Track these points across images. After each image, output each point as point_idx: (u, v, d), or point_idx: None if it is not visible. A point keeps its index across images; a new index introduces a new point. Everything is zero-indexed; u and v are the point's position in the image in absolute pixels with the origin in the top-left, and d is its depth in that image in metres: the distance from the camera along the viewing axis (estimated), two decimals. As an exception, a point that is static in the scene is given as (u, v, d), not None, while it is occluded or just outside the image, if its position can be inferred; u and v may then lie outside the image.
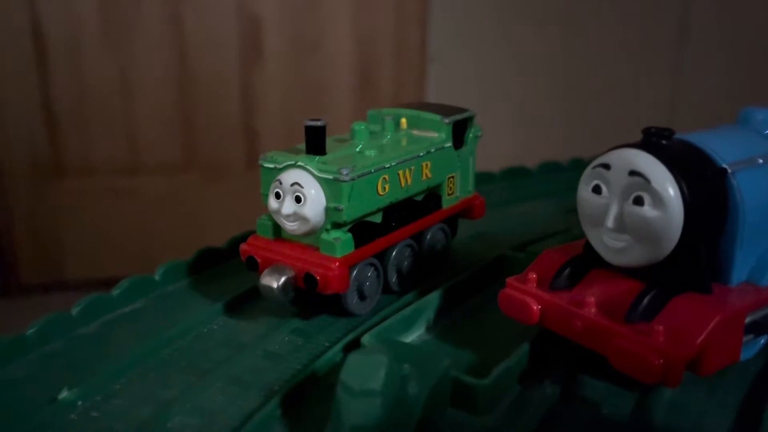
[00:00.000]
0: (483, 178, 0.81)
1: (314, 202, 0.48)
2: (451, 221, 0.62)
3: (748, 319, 0.42)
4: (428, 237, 0.58)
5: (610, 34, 1.47)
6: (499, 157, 0.95)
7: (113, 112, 1.38)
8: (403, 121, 0.58)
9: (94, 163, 1.40)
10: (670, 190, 0.39)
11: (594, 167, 0.42)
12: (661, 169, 0.39)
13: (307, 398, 0.44)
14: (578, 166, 0.96)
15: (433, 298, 0.52)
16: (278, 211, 0.49)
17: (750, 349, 0.45)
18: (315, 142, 0.50)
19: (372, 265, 0.53)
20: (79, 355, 0.49)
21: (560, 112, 1.49)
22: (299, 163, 0.49)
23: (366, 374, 0.36)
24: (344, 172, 0.47)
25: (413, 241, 0.57)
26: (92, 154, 1.39)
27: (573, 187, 0.44)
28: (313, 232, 0.50)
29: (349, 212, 0.48)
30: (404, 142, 0.55)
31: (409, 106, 0.60)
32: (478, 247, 0.65)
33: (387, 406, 0.36)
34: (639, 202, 0.40)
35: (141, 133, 1.40)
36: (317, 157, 0.50)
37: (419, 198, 0.57)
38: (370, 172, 0.49)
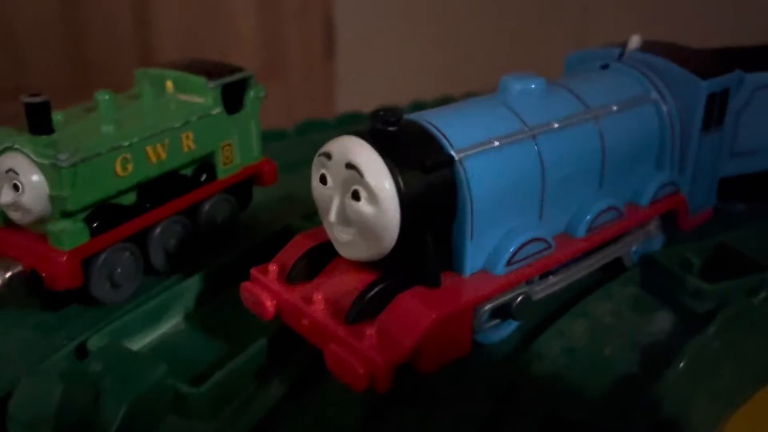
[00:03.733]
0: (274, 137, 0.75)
1: (34, 190, 0.43)
2: (239, 190, 0.57)
3: (487, 307, 0.41)
4: (205, 210, 0.54)
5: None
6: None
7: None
8: (169, 84, 0.53)
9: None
10: (385, 184, 0.36)
11: (318, 155, 0.39)
12: (376, 161, 0.36)
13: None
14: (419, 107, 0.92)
15: (193, 283, 0.49)
16: (-1, 199, 0.44)
17: (502, 330, 0.44)
18: (36, 121, 0.44)
19: (126, 249, 0.49)
20: None
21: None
22: (16, 146, 0.43)
23: (37, 403, 0.33)
24: (62, 158, 0.42)
25: (184, 218, 0.53)
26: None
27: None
28: (43, 221, 0.45)
29: (76, 200, 0.44)
30: (159, 112, 0.50)
31: (177, 65, 0.54)
32: (276, 215, 0.62)
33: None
34: (356, 196, 0.37)
35: (24, 52, 1.24)
36: (42, 138, 0.44)
37: (188, 171, 0.52)
38: (101, 154, 0.44)
